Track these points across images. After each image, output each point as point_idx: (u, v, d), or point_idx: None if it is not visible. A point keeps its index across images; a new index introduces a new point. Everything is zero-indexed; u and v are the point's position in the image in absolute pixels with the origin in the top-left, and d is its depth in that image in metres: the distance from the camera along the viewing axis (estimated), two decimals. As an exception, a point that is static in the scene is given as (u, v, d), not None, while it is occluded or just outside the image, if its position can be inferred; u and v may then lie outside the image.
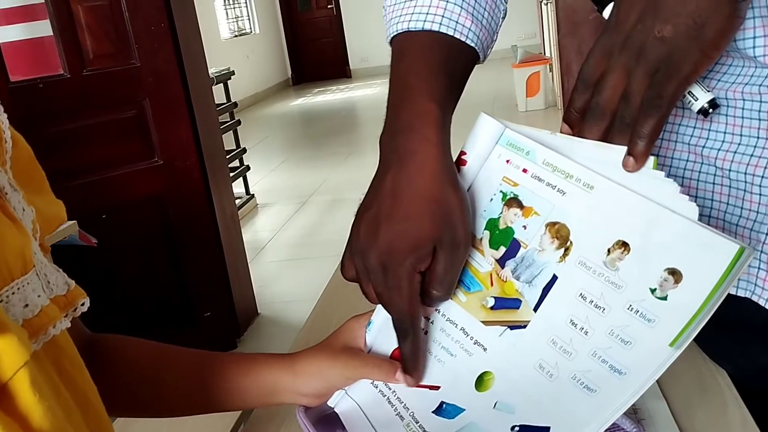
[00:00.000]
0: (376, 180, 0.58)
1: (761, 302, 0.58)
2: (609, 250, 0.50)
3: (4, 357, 0.35)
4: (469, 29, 0.61)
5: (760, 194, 0.57)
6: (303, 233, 4.12)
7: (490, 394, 0.55)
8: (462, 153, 0.60)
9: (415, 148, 0.56)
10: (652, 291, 0.48)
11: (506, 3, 0.67)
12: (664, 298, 0.47)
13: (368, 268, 0.56)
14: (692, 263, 0.46)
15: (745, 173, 0.58)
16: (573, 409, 0.50)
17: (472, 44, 0.62)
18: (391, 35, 0.64)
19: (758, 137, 0.57)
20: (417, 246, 0.54)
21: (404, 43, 0.62)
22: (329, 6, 11.34)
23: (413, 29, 0.61)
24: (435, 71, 0.59)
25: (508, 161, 0.57)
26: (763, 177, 0.57)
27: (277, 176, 5.62)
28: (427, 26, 0.61)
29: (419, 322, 0.57)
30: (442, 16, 0.61)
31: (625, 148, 0.50)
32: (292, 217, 4.45)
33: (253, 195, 4.79)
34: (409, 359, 0.58)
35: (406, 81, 0.60)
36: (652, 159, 0.50)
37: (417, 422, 0.58)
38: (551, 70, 6.14)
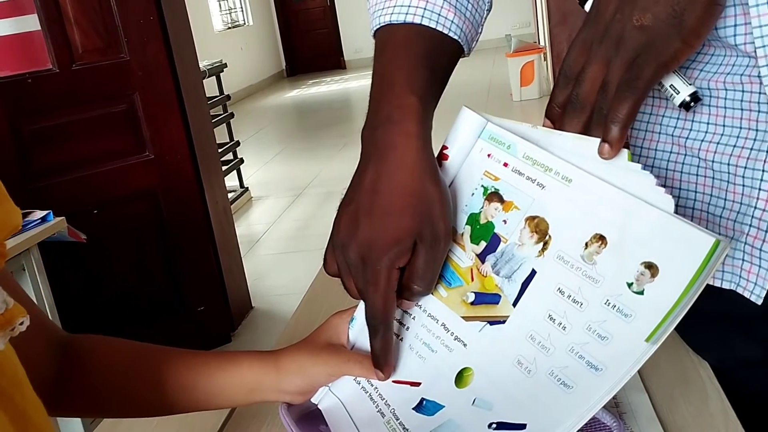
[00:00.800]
0: (356, 174, 0.58)
1: (746, 294, 0.58)
2: (587, 244, 0.50)
3: None
4: (452, 21, 0.61)
5: (743, 185, 0.57)
6: (297, 226, 4.12)
7: (469, 391, 0.55)
8: (444, 147, 0.59)
9: (395, 142, 0.55)
10: (629, 285, 0.47)
11: None
12: (641, 293, 0.47)
13: (349, 263, 0.56)
14: (668, 257, 0.46)
15: (728, 164, 0.58)
16: (550, 406, 0.49)
17: (455, 37, 0.61)
18: (374, 28, 0.63)
19: (741, 127, 0.57)
20: (397, 241, 0.54)
21: (386, 36, 0.62)
22: (323, -3, 11.31)
23: (395, 22, 0.61)
24: (416, 64, 0.59)
25: (489, 155, 0.57)
26: (745, 168, 0.57)
27: (271, 169, 5.61)
28: (409, 19, 0.60)
29: (391, 318, 0.57)
30: (424, 9, 0.60)
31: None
32: (287, 210, 4.45)
33: (247, 188, 4.79)
34: (380, 355, 0.58)
35: (387, 74, 0.59)
36: (625, 152, 0.50)
37: (397, 419, 0.57)
38: (545, 59, 6.13)
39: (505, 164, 0.56)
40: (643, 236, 0.47)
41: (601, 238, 0.49)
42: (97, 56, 2.39)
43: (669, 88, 0.54)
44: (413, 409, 0.57)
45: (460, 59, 0.66)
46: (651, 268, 0.46)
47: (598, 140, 0.50)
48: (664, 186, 0.48)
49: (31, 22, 2.34)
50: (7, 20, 2.37)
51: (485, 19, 0.67)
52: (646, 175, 0.49)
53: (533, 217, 0.53)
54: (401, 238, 0.54)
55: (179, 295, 2.65)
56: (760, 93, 0.54)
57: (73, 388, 0.47)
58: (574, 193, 0.51)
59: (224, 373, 0.62)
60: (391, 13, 0.61)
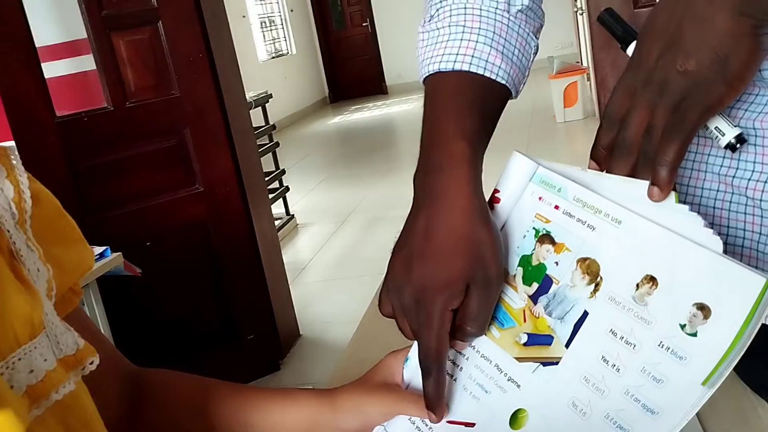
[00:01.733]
0: (409, 219, 0.59)
1: None
2: (638, 285, 0.50)
3: None
4: (500, 67, 0.62)
5: None
6: (343, 252, 4.15)
7: None
8: (495, 191, 0.60)
9: (447, 187, 0.57)
10: (682, 327, 0.47)
11: (537, 39, 0.68)
12: (694, 335, 0.47)
13: (403, 305, 0.57)
14: (720, 298, 0.46)
15: None
16: None
17: (503, 81, 0.63)
18: (423, 76, 0.65)
19: None
20: (449, 284, 0.55)
21: (435, 84, 0.64)
22: (364, 24, 11.45)
23: (444, 70, 0.63)
24: (466, 110, 0.60)
25: (540, 198, 0.58)
26: None
27: (316, 195, 5.67)
28: (458, 66, 0.62)
29: (444, 360, 0.58)
30: (472, 56, 0.62)
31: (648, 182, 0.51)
32: (332, 236, 4.48)
33: (293, 215, 4.84)
34: (432, 397, 0.58)
35: (437, 121, 0.61)
36: (673, 194, 0.50)
37: None
38: (589, 79, 6.08)
39: (556, 207, 0.57)
40: (693, 277, 0.48)
41: (651, 279, 0.50)
42: (150, 94, 2.47)
43: (714, 131, 0.54)
44: None
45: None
46: (703, 309, 0.46)
47: (646, 183, 0.51)
48: (712, 226, 0.49)
49: (86, 63, 2.44)
50: (64, 61, 2.48)
51: (532, 62, 0.68)
52: (693, 216, 0.49)
53: (584, 259, 0.54)
54: (454, 281, 0.55)
55: (229, 323, 2.69)
56: None
57: (144, 422, 0.49)
58: (623, 234, 0.52)
59: (283, 411, 0.64)
60: (440, 62, 0.63)
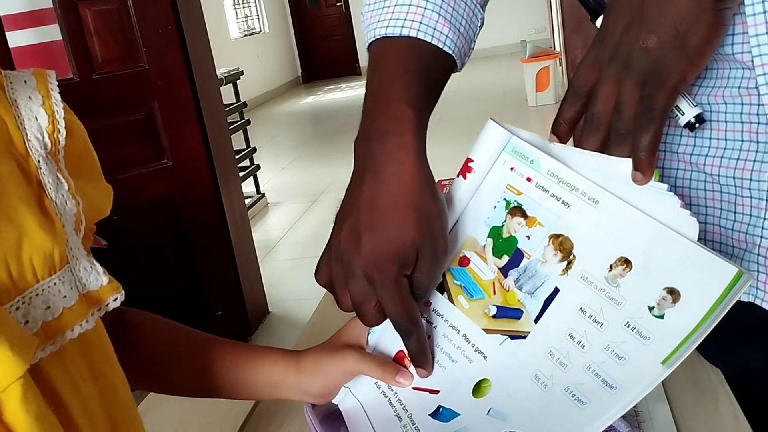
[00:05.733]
0: (352, 186, 0.58)
1: (765, 305, 0.58)
2: (611, 266, 0.50)
3: None
4: (447, 36, 0.61)
5: (750, 197, 0.57)
6: (313, 231, 4.14)
7: (485, 401, 0.56)
8: (468, 160, 0.60)
9: (392, 154, 0.55)
10: (650, 309, 0.48)
11: (483, 12, 0.67)
12: (661, 317, 0.47)
13: (350, 278, 0.56)
14: (691, 284, 0.47)
15: (734, 177, 0.58)
16: (562, 420, 0.50)
17: (450, 51, 0.61)
18: (369, 41, 0.64)
19: (743, 140, 0.57)
20: (401, 254, 0.54)
21: (381, 49, 0.62)
22: (338, 4, 11.35)
23: (391, 35, 0.61)
24: (412, 77, 0.59)
25: (512, 169, 0.57)
26: (750, 180, 0.57)
27: (287, 175, 5.64)
28: (405, 32, 0.60)
29: (418, 318, 0.57)
30: (420, 23, 0.60)
31: (626, 160, 0.50)
32: (303, 216, 4.47)
33: (264, 194, 4.81)
34: (418, 354, 0.58)
35: (382, 86, 0.59)
36: (655, 172, 0.50)
37: (413, 424, 0.59)
38: (561, 64, 6.12)
39: (528, 179, 0.56)
40: (667, 262, 0.48)
41: (626, 262, 0.50)
42: (117, 65, 2.42)
43: (674, 110, 0.54)
44: (430, 415, 0.58)
45: (469, 70, 0.66)
46: (673, 293, 0.47)
47: (622, 160, 0.51)
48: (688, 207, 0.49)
49: (52, 32, 2.38)
50: (29, 30, 2.42)
51: (477, 34, 0.67)
52: (671, 196, 0.50)
53: (557, 236, 0.54)
54: (405, 251, 0.54)
55: (197, 299, 2.68)
56: (759, 104, 0.54)
57: (122, 358, 0.49)
58: (600, 215, 0.52)
59: (248, 366, 0.64)
60: (387, 26, 0.61)
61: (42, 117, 0.44)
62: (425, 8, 0.61)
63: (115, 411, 0.46)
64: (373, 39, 0.63)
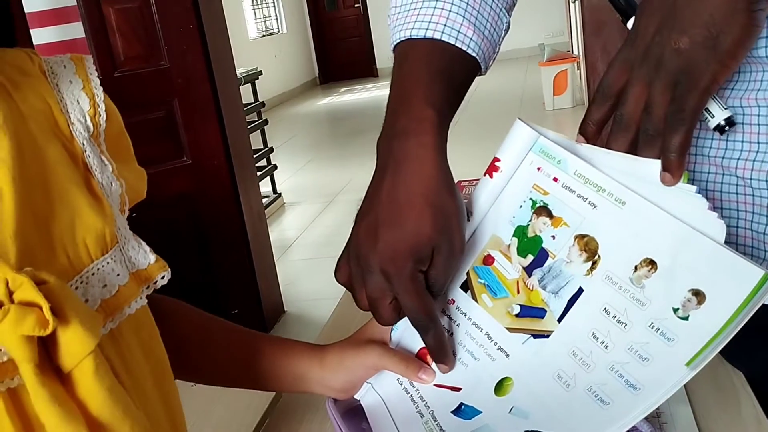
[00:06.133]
0: (373, 184, 0.59)
1: None
2: (636, 267, 0.50)
3: (69, 346, 0.36)
4: (471, 39, 0.62)
5: None
6: (329, 232, 4.14)
7: (507, 399, 0.56)
8: (495, 159, 0.60)
9: (412, 153, 0.56)
10: (675, 310, 0.48)
11: (509, 16, 0.67)
12: (686, 318, 0.47)
13: (365, 273, 0.56)
14: (716, 286, 0.47)
15: (766, 180, 0.58)
16: (584, 420, 0.50)
17: (474, 54, 0.62)
18: (394, 43, 0.65)
19: None
20: (416, 250, 0.54)
21: (406, 51, 0.63)
22: (356, 5, 11.37)
23: (415, 37, 0.62)
24: (434, 78, 0.60)
25: (539, 169, 0.57)
26: None
27: (303, 175, 5.66)
28: (429, 34, 0.61)
29: (435, 314, 0.58)
30: (444, 25, 0.61)
31: (655, 162, 0.50)
32: (319, 216, 4.48)
33: (280, 194, 4.83)
34: (437, 350, 0.59)
35: (405, 87, 0.60)
36: (684, 174, 0.50)
37: (435, 420, 0.59)
38: (579, 68, 6.09)
39: (555, 179, 0.56)
40: (693, 264, 0.48)
41: (651, 263, 0.50)
42: (139, 63, 2.45)
43: (704, 112, 0.54)
44: (452, 412, 0.58)
45: (487, 73, 0.67)
46: (698, 295, 0.47)
47: (650, 161, 0.51)
48: (714, 209, 0.49)
49: (75, 30, 2.41)
50: (53, 28, 2.44)
51: (503, 38, 0.68)
52: (699, 198, 0.49)
53: (583, 236, 0.54)
54: (421, 247, 0.54)
55: (214, 297, 2.69)
56: None
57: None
58: (627, 216, 0.52)
59: (276, 358, 0.65)
60: (412, 28, 0.62)
61: (84, 101, 0.45)
62: (450, 11, 0.62)
63: (166, 388, 0.47)
64: (399, 41, 0.64)
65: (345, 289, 0.60)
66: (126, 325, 0.43)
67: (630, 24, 0.55)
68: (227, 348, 0.66)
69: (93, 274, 0.41)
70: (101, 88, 0.47)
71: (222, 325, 0.67)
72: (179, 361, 0.66)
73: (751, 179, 0.59)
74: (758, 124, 0.57)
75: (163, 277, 0.47)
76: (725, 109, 0.54)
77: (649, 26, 0.51)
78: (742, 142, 0.59)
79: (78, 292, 0.40)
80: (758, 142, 0.58)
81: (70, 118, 0.44)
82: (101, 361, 0.38)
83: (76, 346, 0.36)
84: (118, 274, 0.43)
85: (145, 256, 0.46)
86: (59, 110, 0.44)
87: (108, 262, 0.42)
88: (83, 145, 0.44)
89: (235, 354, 0.65)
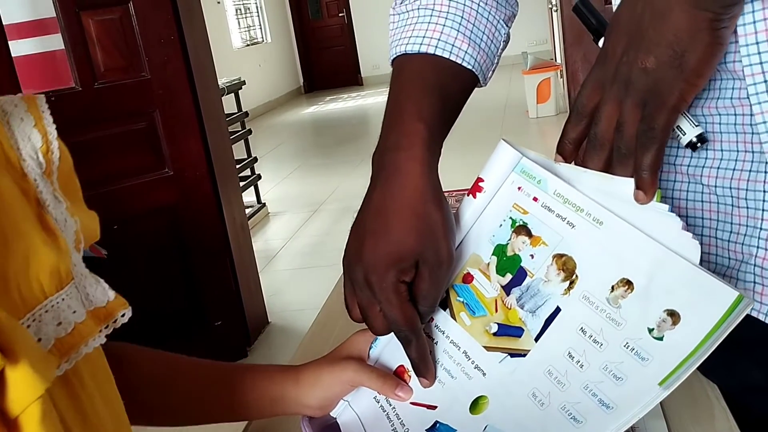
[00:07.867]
0: (365, 198, 0.60)
1: (760, 317, 0.58)
2: (613, 287, 0.51)
3: (17, 389, 0.34)
4: (466, 52, 0.63)
5: (747, 207, 0.58)
6: (314, 241, 4.14)
7: (482, 418, 0.56)
8: (479, 180, 0.60)
9: (401, 166, 0.58)
10: (650, 330, 0.48)
11: (508, 28, 0.68)
12: (660, 339, 0.48)
13: (354, 283, 0.58)
14: (692, 307, 0.47)
15: (730, 188, 0.58)
16: None
17: (469, 67, 0.63)
18: (391, 58, 0.66)
19: (737, 150, 0.57)
20: (399, 259, 0.55)
21: (401, 66, 0.64)
22: (340, 14, 11.40)
23: (410, 52, 0.63)
24: (427, 92, 0.61)
25: (519, 188, 0.58)
26: (747, 190, 0.57)
27: (288, 184, 5.64)
28: (423, 49, 0.62)
29: (418, 325, 0.58)
30: (438, 39, 0.62)
31: (629, 180, 0.51)
32: (303, 226, 4.47)
33: (265, 204, 4.82)
34: (419, 363, 0.59)
35: (398, 102, 0.61)
36: (657, 192, 0.50)
37: None
38: (562, 76, 6.13)
39: (535, 199, 0.57)
40: (669, 285, 0.48)
41: (628, 283, 0.50)
42: (119, 75, 2.43)
43: (676, 129, 0.54)
44: (426, 430, 0.58)
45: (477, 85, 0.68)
46: (673, 315, 0.47)
47: (624, 180, 0.51)
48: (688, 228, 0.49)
49: (54, 42, 2.39)
50: (32, 39, 2.43)
51: (501, 50, 0.69)
52: (672, 217, 0.50)
53: (561, 255, 0.54)
54: (403, 256, 0.55)
55: (197, 309, 2.68)
56: (751, 114, 0.54)
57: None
58: (604, 236, 0.52)
59: (250, 388, 0.64)
60: (407, 44, 0.64)
61: (36, 137, 0.45)
62: (444, 25, 0.63)
63: None
64: (395, 56, 0.65)
65: (326, 299, 0.61)
66: (83, 367, 0.42)
67: (601, 43, 0.56)
68: (197, 383, 0.65)
69: (46, 311, 0.39)
70: (54, 126, 0.46)
71: (189, 362, 0.66)
72: (140, 406, 0.65)
73: (716, 186, 0.59)
74: (720, 132, 0.58)
75: (123, 315, 0.46)
76: (696, 126, 0.54)
77: (617, 46, 0.52)
78: (707, 150, 0.59)
79: (30, 330, 0.38)
80: (721, 150, 0.59)
81: (21, 154, 0.43)
82: (49, 408, 0.36)
83: (24, 389, 0.34)
84: (74, 311, 0.41)
85: (103, 292, 0.45)
86: (9, 146, 0.43)
87: (63, 299, 0.41)
88: (35, 181, 0.43)
89: (207, 388, 0.65)
